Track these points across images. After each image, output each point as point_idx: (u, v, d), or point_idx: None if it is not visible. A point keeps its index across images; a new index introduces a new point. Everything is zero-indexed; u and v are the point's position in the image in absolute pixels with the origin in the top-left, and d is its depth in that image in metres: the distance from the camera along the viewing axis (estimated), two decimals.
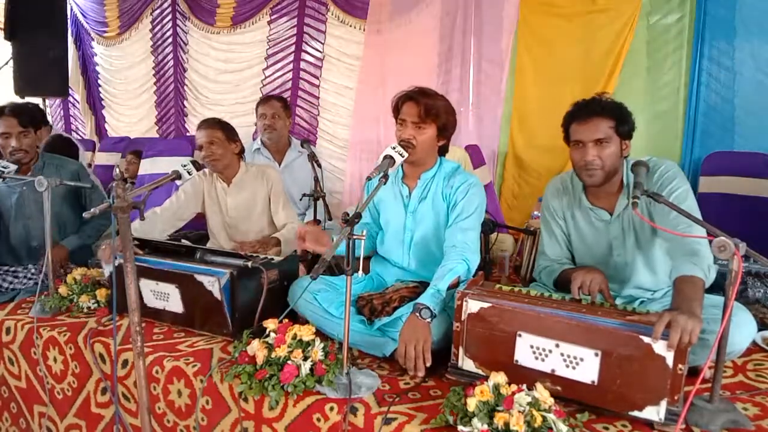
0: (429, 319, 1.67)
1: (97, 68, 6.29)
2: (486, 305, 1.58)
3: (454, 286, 1.80)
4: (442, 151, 2.06)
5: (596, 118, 1.77)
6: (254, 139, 3.66)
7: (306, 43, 4.93)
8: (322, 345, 1.63)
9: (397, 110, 1.97)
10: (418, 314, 1.67)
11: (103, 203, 1.47)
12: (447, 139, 2.02)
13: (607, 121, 1.77)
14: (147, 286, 2.00)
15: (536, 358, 1.52)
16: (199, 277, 1.88)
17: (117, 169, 1.43)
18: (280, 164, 3.30)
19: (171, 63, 5.74)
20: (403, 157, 1.84)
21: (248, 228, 2.63)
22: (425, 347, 1.63)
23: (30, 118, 2.56)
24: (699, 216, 1.65)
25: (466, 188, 1.96)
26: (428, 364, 1.64)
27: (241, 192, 2.62)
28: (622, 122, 1.78)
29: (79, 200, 2.72)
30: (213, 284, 1.86)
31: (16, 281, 2.52)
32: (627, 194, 1.82)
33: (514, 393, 1.36)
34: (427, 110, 1.89)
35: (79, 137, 6.22)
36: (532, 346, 1.53)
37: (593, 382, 1.46)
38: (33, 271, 2.53)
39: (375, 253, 2.23)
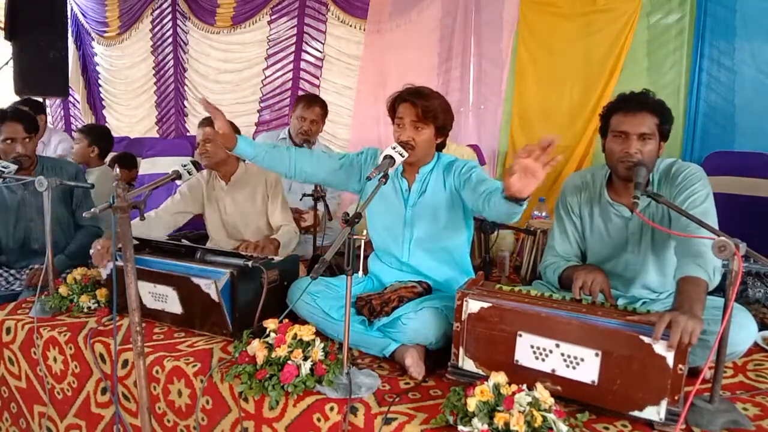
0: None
1: (98, 68, 6.30)
2: (486, 305, 1.58)
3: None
4: (440, 147, 2.06)
5: (645, 112, 1.76)
6: (254, 135, 3.66)
7: (306, 43, 4.94)
8: (322, 345, 1.63)
9: (393, 110, 1.96)
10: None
11: (93, 206, 1.46)
12: (445, 136, 2.02)
13: (654, 118, 1.77)
14: (145, 287, 1.99)
15: (536, 358, 1.52)
16: (196, 280, 1.87)
17: (117, 169, 1.44)
18: None
19: (171, 63, 5.74)
20: (403, 157, 1.84)
21: (246, 227, 2.63)
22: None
23: (32, 123, 2.56)
24: (714, 221, 1.64)
25: (470, 167, 1.94)
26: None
27: (241, 191, 2.62)
28: (666, 122, 1.79)
29: (72, 202, 2.71)
30: (209, 287, 1.85)
31: (16, 283, 2.53)
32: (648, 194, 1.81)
33: (514, 393, 1.35)
34: (425, 112, 1.88)
35: None
36: (532, 346, 1.53)
37: (593, 382, 1.46)
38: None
39: (372, 253, 2.22)
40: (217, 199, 2.64)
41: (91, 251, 2.12)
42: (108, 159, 3.80)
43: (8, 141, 2.48)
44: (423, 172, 2.01)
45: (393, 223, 2.06)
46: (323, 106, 3.26)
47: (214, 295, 1.85)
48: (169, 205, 2.61)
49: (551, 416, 1.31)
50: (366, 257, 2.21)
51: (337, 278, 2.12)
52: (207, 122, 2.55)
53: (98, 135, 3.62)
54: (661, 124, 1.78)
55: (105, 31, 6.10)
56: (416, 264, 2.05)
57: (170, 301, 1.98)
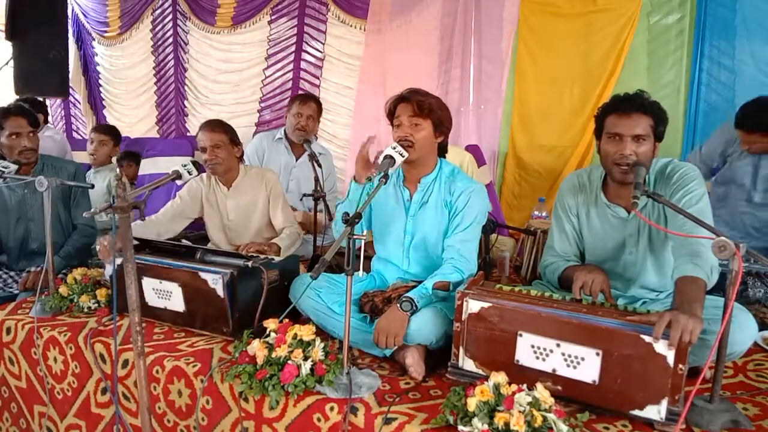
0: (408, 312, 1.74)
1: (98, 68, 6.30)
2: (486, 305, 1.58)
3: (444, 289, 1.84)
4: (441, 151, 2.06)
5: (639, 113, 1.76)
6: (254, 135, 3.67)
7: (306, 43, 4.94)
8: (322, 345, 1.63)
9: (391, 115, 1.99)
10: (399, 306, 1.74)
11: (90, 205, 1.47)
12: (444, 135, 2.02)
13: (648, 119, 1.76)
14: (150, 284, 2.01)
15: (537, 358, 1.53)
16: (204, 275, 1.89)
17: (117, 170, 1.44)
18: (297, 159, 3.30)
19: (171, 63, 5.74)
20: (403, 156, 1.85)
21: (247, 231, 2.63)
22: (396, 341, 1.72)
23: (34, 118, 2.58)
24: (710, 220, 1.64)
25: (467, 196, 1.96)
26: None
27: (241, 195, 2.61)
28: (660, 123, 1.78)
29: (70, 201, 2.72)
30: (216, 282, 1.87)
31: (14, 286, 2.53)
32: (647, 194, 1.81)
33: (514, 393, 1.36)
34: (420, 105, 1.90)
35: (80, 137, 6.24)
36: (532, 346, 1.53)
37: (594, 381, 1.46)
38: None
39: (376, 254, 2.23)
40: (218, 204, 2.63)
41: (97, 247, 2.13)
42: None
43: (13, 136, 2.49)
44: (425, 182, 2.02)
45: (395, 232, 2.07)
46: (318, 102, 3.31)
47: (220, 291, 1.86)
48: (168, 208, 2.60)
49: (551, 416, 1.31)
50: (367, 258, 2.21)
51: (339, 275, 2.12)
52: (212, 126, 2.52)
53: (118, 134, 3.63)
54: (656, 126, 1.77)
55: (106, 31, 6.10)
56: (416, 272, 2.07)
57: (174, 298, 1.99)
